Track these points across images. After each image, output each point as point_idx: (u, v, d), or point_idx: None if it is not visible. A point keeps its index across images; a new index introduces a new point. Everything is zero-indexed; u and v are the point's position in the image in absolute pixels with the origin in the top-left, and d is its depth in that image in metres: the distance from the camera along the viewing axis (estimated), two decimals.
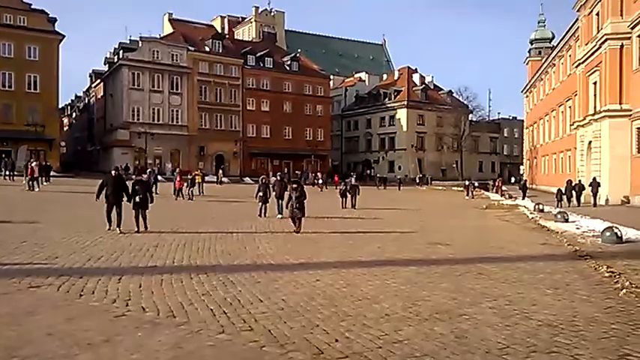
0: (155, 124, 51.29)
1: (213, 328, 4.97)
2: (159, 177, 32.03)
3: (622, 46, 25.64)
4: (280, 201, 16.44)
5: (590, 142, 29.28)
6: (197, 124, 54.27)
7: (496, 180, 45.69)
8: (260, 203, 16.61)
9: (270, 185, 17.78)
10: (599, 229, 13.73)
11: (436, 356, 4.37)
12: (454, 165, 63.85)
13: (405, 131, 65.53)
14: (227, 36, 64.34)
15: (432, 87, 70.49)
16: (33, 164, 25.62)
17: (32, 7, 44.57)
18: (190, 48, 54.00)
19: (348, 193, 22.47)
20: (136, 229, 11.72)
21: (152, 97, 51.71)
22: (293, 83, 61.23)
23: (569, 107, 36.67)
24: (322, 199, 26.83)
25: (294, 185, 13.28)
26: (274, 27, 77.95)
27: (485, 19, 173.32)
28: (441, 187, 50.73)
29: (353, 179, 24.04)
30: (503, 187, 40.85)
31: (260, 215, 16.31)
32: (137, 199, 11.83)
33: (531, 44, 57.41)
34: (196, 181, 25.82)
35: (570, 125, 34.91)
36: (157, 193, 21.70)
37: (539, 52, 54.61)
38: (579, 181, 27.77)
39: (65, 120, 79.40)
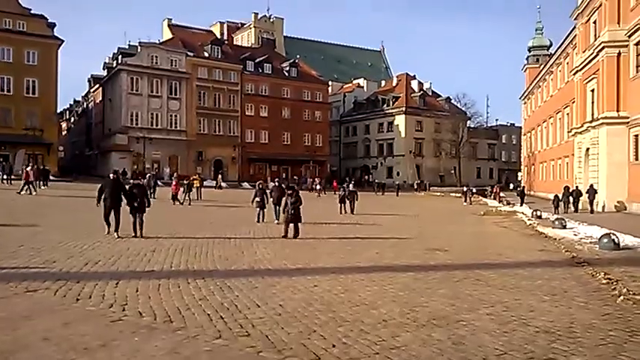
0: (153, 128, 51.30)
1: (210, 333, 4.96)
2: (158, 182, 32.04)
3: (619, 53, 25.79)
4: (278, 207, 16.42)
5: (587, 149, 29.36)
6: (195, 129, 54.30)
7: (494, 186, 45.80)
8: (257, 209, 16.63)
9: (268, 191, 17.78)
10: (597, 235, 13.74)
11: None
12: (452, 171, 63.90)
13: (403, 137, 65.70)
14: (226, 41, 64.51)
15: (430, 93, 70.66)
16: (27, 168, 25.79)
17: (31, 11, 44.67)
18: (189, 53, 54.07)
19: (346, 199, 22.50)
20: (134, 234, 11.73)
21: (151, 102, 51.75)
22: (292, 89, 61.34)
23: (567, 114, 36.80)
24: (320, 204, 26.85)
25: (289, 191, 13.28)
26: (273, 33, 78.24)
27: (484, 27, 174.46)
28: (439, 193, 50.77)
29: (351, 185, 24.06)
30: (501, 194, 40.96)
31: (258, 221, 16.31)
32: (135, 203, 11.83)
33: (529, 51, 57.87)
34: (194, 185, 25.83)
35: (568, 132, 35.02)
36: (154, 198, 21.70)
37: (537, 60, 55.01)
38: (576, 187, 27.87)
39: (63, 124, 79.38)
